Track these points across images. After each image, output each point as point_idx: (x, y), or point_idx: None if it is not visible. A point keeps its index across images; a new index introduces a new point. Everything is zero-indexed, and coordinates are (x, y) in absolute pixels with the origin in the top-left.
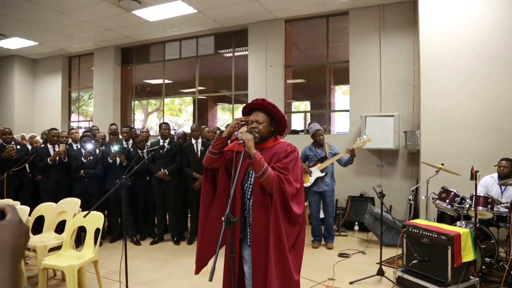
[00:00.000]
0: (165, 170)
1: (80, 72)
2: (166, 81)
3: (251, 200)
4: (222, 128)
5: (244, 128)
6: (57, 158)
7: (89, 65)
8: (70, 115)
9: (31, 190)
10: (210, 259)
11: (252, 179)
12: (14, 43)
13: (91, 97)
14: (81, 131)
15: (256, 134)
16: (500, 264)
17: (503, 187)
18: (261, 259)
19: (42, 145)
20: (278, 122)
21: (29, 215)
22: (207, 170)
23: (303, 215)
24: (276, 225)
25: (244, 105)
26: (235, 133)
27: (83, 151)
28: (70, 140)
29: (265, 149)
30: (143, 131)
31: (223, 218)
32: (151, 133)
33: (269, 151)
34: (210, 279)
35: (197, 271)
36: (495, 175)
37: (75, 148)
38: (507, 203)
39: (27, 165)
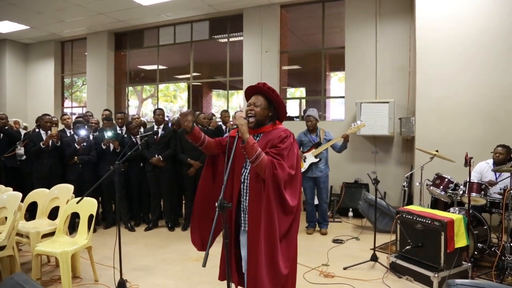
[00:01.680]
0: (159, 156)
1: (73, 57)
2: (161, 67)
3: (248, 186)
4: (217, 114)
5: (240, 114)
6: (50, 142)
7: (82, 50)
8: (64, 100)
9: (19, 176)
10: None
11: (249, 165)
12: (4, 27)
13: (84, 83)
14: (74, 118)
15: (251, 119)
16: (492, 249)
17: (497, 174)
18: (257, 244)
19: (36, 131)
20: (276, 107)
21: (22, 201)
22: (208, 155)
23: (298, 204)
24: (267, 212)
25: (240, 91)
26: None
27: (76, 137)
28: (62, 126)
29: (263, 133)
30: (134, 118)
31: (216, 204)
32: (147, 119)
33: (265, 136)
34: (204, 265)
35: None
36: (490, 161)
37: (68, 134)
38: (500, 189)
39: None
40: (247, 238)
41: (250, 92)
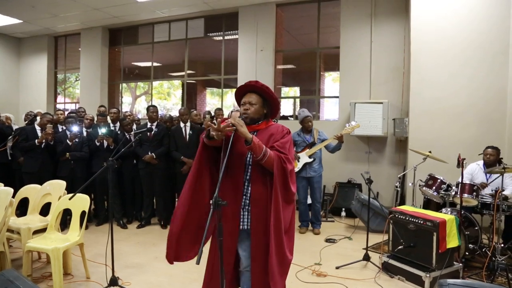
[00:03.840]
0: (152, 153)
1: (66, 52)
2: (155, 64)
3: (250, 180)
4: (213, 113)
5: (236, 113)
6: (44, 140)
7: (76, 46)
8: (56, 96)
9: (10, 171)
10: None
11: (250, 160)
12: None
13: (78, 79)
14: (67, 114)
15: (245, 116)
16: (483, 250)
17: (488, 175)
18: (261, 241)
19: (29, 126)
20: (271, 105)
21: (13, 196)
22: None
23: (294, 194)
24: (276, 206)
25: (234, 89)
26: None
27: (68, 133)
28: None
29: (259, 131)
30: (127, 115)
31: (211, 202)
32: (139, 116)
33: (264, 132)
34: (198, 263)
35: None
36: (481, 162)
37: (60, 129)
38: (492, 190)
39: (9, 147)
40: (251, 234)
41: (242, 92)
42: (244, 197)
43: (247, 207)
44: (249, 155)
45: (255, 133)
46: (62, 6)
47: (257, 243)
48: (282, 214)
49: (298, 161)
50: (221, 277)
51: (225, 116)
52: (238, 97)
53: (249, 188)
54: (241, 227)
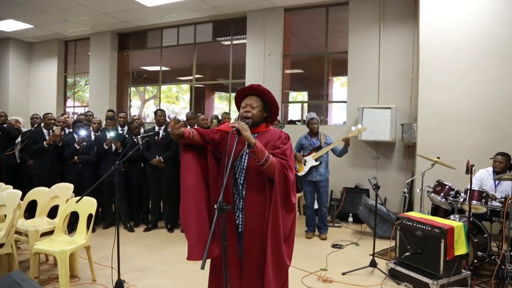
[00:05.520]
0: (160, 157)
1: (76, 57)
2: (163, 68)
3: (244, 185)
4: (220, 117)
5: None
6: (52, 141)
7: (85, 50)
8: (66, 100)
9: (19, 174)
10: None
11: (245, 163)
12: (8, 26)
13: (87, 82)
14: (76, 117)
15: (248, 120)
16: (492, 258)
17: (497, 181)
18: (254, 245)
19: (36, 128)
20: (271, 109)
21: (22, 199)
22: (185, 147)
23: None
24: (275, 213)
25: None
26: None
27: (75, 136)
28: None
29: (258, 133)
30: (134, 118)
31: (215, 206)
32: (148, 120)
33: (262, 136)
34: (202, 267)
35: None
36: (490, 169)
37: (67, 132)
38: (501, 198)
39: (17, 150)
40: (244, 239)
41: (243, 94)
42: (239, 200)
43: (241, 211)
44: (244, 158)
45: (254, 136)
46: (73, 11)
47: (249, 247)
48: (282, 222)
49: (305, 165)
50: (225, 282)
51: (232, 120)
52: (239, 99)
53: (243, 192)
54: (240, 229)
